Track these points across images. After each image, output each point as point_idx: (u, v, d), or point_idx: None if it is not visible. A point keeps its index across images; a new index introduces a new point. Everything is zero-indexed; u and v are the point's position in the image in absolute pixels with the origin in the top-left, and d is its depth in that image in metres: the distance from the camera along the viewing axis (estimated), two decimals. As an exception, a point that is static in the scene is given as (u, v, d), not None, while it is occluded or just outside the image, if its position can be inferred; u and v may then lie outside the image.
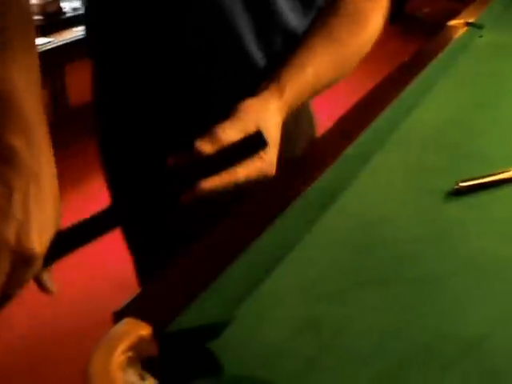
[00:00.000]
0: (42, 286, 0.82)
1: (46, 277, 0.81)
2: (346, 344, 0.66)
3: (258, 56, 0.99)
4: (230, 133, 0.83)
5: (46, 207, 0.75)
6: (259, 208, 0.88)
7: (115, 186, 1.12)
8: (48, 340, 2.50)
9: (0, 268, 0.71)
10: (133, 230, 1.16)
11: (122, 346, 0.62)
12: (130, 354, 0.63)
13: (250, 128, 0.84)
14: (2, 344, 2.48)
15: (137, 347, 0.63)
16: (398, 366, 0.63)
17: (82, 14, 3.46)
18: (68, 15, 4.03)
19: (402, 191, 0.96)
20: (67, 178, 3.50)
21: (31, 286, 2.59)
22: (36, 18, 3.88)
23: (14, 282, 0.75)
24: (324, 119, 1.21)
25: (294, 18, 1.00)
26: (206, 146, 0.81)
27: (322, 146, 1.06)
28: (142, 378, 0.64)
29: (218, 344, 0.65)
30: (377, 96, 1.22)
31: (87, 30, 1.07)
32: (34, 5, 3.88)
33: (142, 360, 0.65)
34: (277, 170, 0.88)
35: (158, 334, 0.65)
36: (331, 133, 1.08)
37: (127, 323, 0.65)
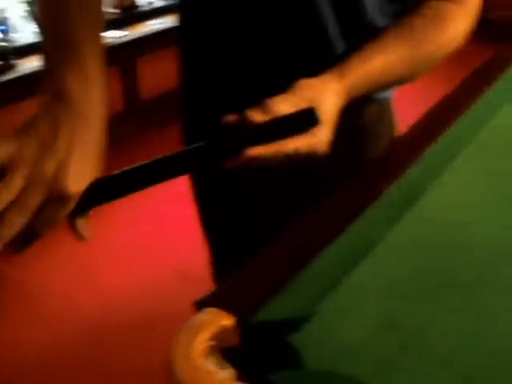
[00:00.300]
0: (75, 232, 0.81)
1: (81, 223, 0.80)
2: (426, 345, 0.66)
3: (340, 47, 0.99)
4: (282, 106, 0.83)
5: (89, 150, 0.74)
6: (341, 205, 0.88)
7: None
8: (116, 330, 2.55)
9: (31, 200, 0.70)
10: (212, 220, 1.18)
11: (205, 334, 0.63)
12: (211, 342, 0.64)
13: (303, 105, 0.84)
14: (71, 333, 2.54)
15: (219, 336, 0.64)
16: (478, 369, 0.62)
17: (155, 8, 3.53)
18: (143, 9, 4.10)
19: (484, 195, 0.94)
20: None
21: (102, 276, 2.67)
22: (112, 11, 3.97)
23: (44, 219, 0.73)
24: (404, 119, 1.20)
25: (381, 19, 1.00)
26: (256, 115, 0.82)
27: (403, 146, 1.05)
28: (221, 367, 0.65)
29: (299, 338, 0.65)
30: (459, 96, 1.21)
31: (180, 17, 1.09)
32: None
33: (222, 349, 0.65)
34: (359, 169, 0.88)
35: (240, 324, 0.65)
36: (412, 132, 1.07)
37: (210, 312, 0.66)
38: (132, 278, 2.83)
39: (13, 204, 0.69)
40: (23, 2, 3.56)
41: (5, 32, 3.46)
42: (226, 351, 0.65)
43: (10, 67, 3.30)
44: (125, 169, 0.78)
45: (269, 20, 0.98)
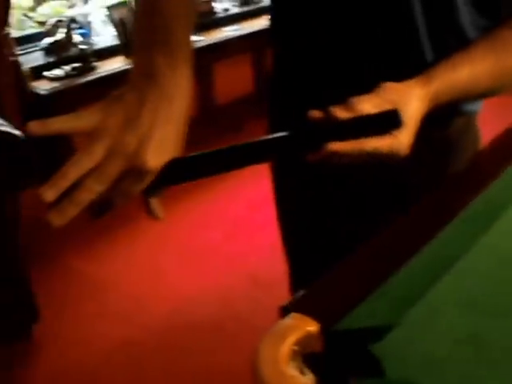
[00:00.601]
0: (149, 210, 0.83)
1: (155, 202, 0.82)
2: (508, 362, 0.65)
3: (430, 56, 0.99)
4: (366, 106, 0.85)
5: (170, 129, 0.76)
6: (427, 216, 0.88)
7: None
8: (183, 331, 2.58)
9: (110, 169, 0.72)
10: (292, 225, 1.19)
11: (291, 339, 0.64)
12: (294, 347, 0.65)
13: (387, 106, 0.85)
14: (139, 334, 2.58)
15: (302, 342, 0.65)
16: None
17: (231, 15, 3.57)
18: (219, 15, 4.15)
19: None
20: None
21: (171, 278, 2.71)
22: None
23: (121, 190, 0.75)
24: (488, 132, 1.19)
25: (472, 32, 0.99)
26: (340, 112, 0.83)
27: (487, 159, 1.04)
28: (302, 373, 0.66)
29: (381, 347, 0.66)
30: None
31: (272, 19, 1.11)
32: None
33: (304, 355, 0.66)
34: (444, 180, 0.88)
35: (324, 331, 0.66)
36: (496, 146, 1.05)
37: (295, 318, 0.67)
38: (201, 281, 2.86)
39: (92, 171, 0.72)
40: (104, 8, 3.66)
41: (86, 35, 3.56)
42: (307, 357, 0.66)
43: (91, 69, 3.40)
44: (204, 151, 0.80)
45: (362, 23, 0.98)
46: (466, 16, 0.98)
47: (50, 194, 0.71)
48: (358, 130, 0.83)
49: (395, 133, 0.83)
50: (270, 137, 0.83)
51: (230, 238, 3.16)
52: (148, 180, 0.76)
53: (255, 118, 4.03)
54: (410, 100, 0.88)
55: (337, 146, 0.81)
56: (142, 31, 0.84)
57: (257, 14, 4.32)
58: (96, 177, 0.72)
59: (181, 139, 0.79)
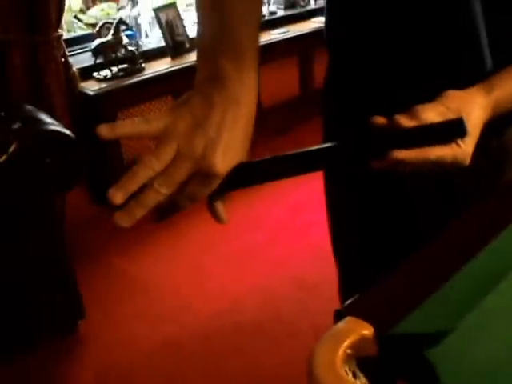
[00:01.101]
0: (214, 214, 0.84)
1: (220, 205, 0.83)
2: None
3: (488, 61, 0.98)
4: (430, 114, 0.85)
5: (237, 133, 0.78)
6: (479, 225, 0.88)
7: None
8: (227, 333, 2.60)
9: (178, 173, 0.74)
10: (342, 231, 1.19)
11: (346, 342, 0.65)
12: (349, 351, 0.66)
13: (450, 115, 0.85)
14: (182, 334, 2.60)
15: (357, 345, 0.66)
16: None
17: (277, 18, 3.58)
18: (266, 18, 4.16)
19: None
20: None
21: (216, 280, 2.73)
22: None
23: (187, 193, 0.77)
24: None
25: None
26: (404, 120, 0.84)
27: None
28: (355, 376, 0.66)
29: (436, 353, 0.66)
30: None
31: (328, 23, 1.11)
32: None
33: (358, 358, 0.67)
34: (497, 189, 0.87)
35: (379, 335, 0.67)
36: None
37: (350, 321, 0.68)
38: (245, 284, 2.88)
39: (161, 174, 0.74)
40: (151, 10, 3.70)
41: (134, 37, 3.60)
42: (360, 360, 0.67)
43: (138, 70, 3.44)
44: (269, 157, 0.81)
45: (421, 26, 0.98)
46: None
47: (118, 196, 0.73)
48: (424, 139, 0.83)
49: (459, 142, 0.83)
50: (336, 144, 0.83)
51: (272, 241, 3.17)
52: (215, 184, 0.78)
53: (301, 122, 4.04)
54: (473, 109, 0.88)
55: (402, 154, 0.81)
56: (206, 34, 0.85)
57: (303, 17, 4.33)
58: (164, 179, 0.74)
59: (248, 143, 0.80)
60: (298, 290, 2.79)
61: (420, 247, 0.81)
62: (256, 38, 0.85)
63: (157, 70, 3.51)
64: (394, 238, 1.07)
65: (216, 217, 0.82)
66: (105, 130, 0.75)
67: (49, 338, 2.51)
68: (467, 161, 0.86)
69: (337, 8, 1.08)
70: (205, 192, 0.78)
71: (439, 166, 0.84)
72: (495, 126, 0.90)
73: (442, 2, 0.95)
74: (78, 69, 3.29)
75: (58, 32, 3.07)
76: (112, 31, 3.40)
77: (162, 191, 0.74)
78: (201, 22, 0.88)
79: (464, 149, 0.84)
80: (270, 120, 4.05)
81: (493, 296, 0.74)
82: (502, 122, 0.94)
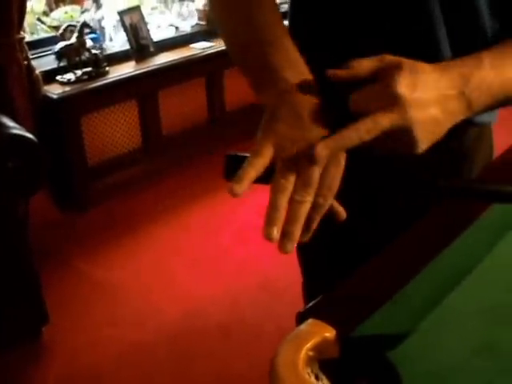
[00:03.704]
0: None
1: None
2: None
3: (447, 53, 0.98)
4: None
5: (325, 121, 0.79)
6: (441, 225, 0.89)
7: None
8: (193, 336, 2.59)
9: (312, 177, 0.75)
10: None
11: (308, 344, 0.65)
12: (311, 353, 0.66)
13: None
14: (149, 338, 2.59)
15: (319, 348, 0.66)
16: None
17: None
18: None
19: None
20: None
21: (182, 283, 2.72)
22: (199, 23, 4.05)
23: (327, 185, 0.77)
24: (501, 144, 1.20)
25: (494, 28, 0.97)
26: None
27: (499, 170, 1.05)
28: (317, 378, 0.67)
29: (397, 354, 0.67)
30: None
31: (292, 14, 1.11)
32: (198, 10, 4.05)
33: (320, 360, 0.68)
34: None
35: (340, 337, 0.67)
36: (509, 156, 1.07)
37: (312, 324, 0.68)
38: (212, 287, 2.87)
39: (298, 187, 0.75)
40: (115, 13, 3.68)
41: (98, 40, 3.58)
42: (323, 362, 0.68)
43: (102, 74, 3.42)
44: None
45: (375, 12, 0.98)
46: (488, 19, 0.96)
47: (274, 232, 0.73)
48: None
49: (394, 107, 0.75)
50: None
51: (239, 244, 3.17)
52: (343, 165, 0.78)
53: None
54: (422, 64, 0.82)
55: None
56: (253, 53, 0.87)
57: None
58: (304, 190, 0.75)
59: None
60: (263, 292, 2.80)
61: (382, 250, 0.82)
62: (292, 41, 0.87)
63: (121, 73, 3.49)
64: (357, 241, 1.08)
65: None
66: (239, 190, 0.74)
67: (12, 344, 2.47)
68: (410, 126, 0.74)
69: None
70: (339, 176, 0.78)
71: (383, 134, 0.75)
72: (454, 129, 0.91)
73: (401, 7, 0.96)
74: (41, 72, 3.26)
75: (20, 34, 3.04)
76: (76, 34, 3.37)
77: (309, 200, 0.75)
78: (243, 44, 0.90)
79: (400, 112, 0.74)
80: (235, 123, 4.05)
81: (454, 296, 0.75)
82: (460, 125, 0.94)
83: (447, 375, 0.66)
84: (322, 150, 0.72)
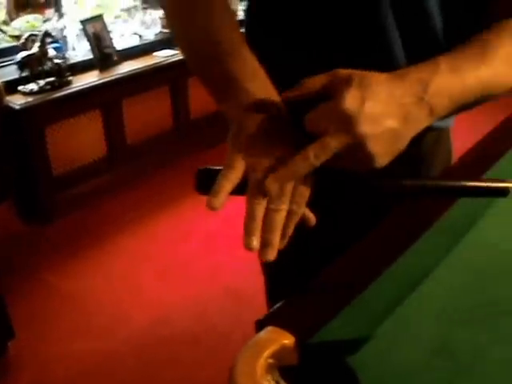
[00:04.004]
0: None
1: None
2: (482, 372, 0.66)
3: (401, 56, 0.99)
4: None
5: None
6: (399, 229, 0.89)
7: None
8: (163, 343, 2.58)
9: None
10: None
11: (266, 352, 0.65)
12: (270, 360, 0.66)
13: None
14: (119, 346, 2.58)
15: (278, 355, 0.66)
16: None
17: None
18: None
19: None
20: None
21: (151, 291, 2.70)
22: (163, 30, 4.05)
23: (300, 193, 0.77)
24: (459, 146, 1.21)
25: (443, 28, 0.98)
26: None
27: (458, 173, 1.06)
28: (279, 386, 0.67)
29: (356, 359, 0.67)
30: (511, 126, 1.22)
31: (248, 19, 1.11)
32: (162, 19, 4.04)
33: (280, 368, 0.67)
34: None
35: (300, 344, 0.67)
36: (467, 160, 1.08)
37: (271, 331, 0.68)
38: (179, 295, 2.86)
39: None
40: (78, 22, 3.66)
41: (60, 50, 3.55)
42: (283, 369, 0.67)
43: (65, 83, 3.39)
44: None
45: (329, 22, 0.98)
46: (439, 20, 0.98)
47: (256, 244, 0.73)
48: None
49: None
50: None
51: (207, 252, 3.17)
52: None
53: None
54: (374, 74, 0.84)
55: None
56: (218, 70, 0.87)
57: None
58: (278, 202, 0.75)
59: None
60: (231, 299, 2.80)
61: (340, 256, 0.82)
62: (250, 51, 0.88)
63: (85, 82, 3.47)
64: (319, 248, 1.07)
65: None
66: (217, 204, 0.74)
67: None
68: (362, 142, 0.72)
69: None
70: (310, 183, 0.77)
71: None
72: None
73: (353, 14, 0.96)
74: (2, 82, 3.22)
75: (-20, 45, 3.01)
76: (38, 43, 3.34)
77: (284, 208, 0.75)
78: (209, 57, 0.90)
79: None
80: (200, 130, 4.05)
81: (413, 298, 0.76)
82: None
83: (407, 377, 0.66)
84: (272, 185, 0.73)
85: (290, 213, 0.76)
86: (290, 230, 0.77)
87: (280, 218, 0.74)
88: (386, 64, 0.94)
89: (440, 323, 0.73)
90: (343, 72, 0.75)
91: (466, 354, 0.69)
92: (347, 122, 0.71)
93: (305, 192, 0.77)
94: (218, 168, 0.78)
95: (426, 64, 0.80)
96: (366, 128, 0.71)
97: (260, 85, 0.83)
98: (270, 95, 0.82)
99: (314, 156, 0.71)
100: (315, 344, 0.68)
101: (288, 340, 0.67)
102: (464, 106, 0.84)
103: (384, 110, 0.73)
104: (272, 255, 0.74)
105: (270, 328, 0.69)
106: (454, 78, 0.80)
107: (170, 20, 1.01)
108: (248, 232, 0.73)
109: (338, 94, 0.72)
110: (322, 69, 0.96)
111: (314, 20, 0.99)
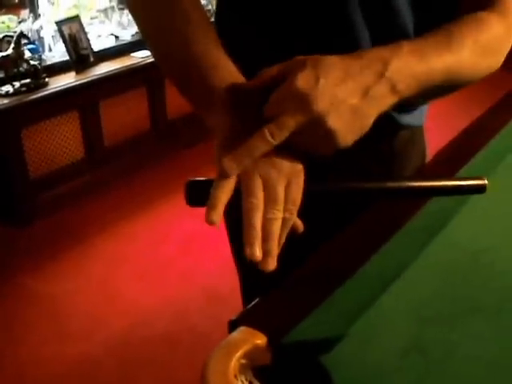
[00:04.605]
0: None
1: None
2: (453, 369, 0.67)
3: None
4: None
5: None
6: (372, 228, 0.90)
7: None
8: (141, 346, 2.57)
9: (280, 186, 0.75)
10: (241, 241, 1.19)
11: (239, 352, 0.65)
12: (243, 361, 0.66)
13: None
14: (97, 350, 2.56)
15: (251, 355, 0.66)
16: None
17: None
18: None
19: (509, 221, 0.96)
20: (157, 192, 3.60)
21: (127, 294, 2.69)
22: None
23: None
24: (432, 146, 1.22)
25: (413, 26, 0.99)
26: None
27: (432, 171, 1.06)
28: (252, 386, 0.67)
29: (329, 359, 0.67)
30: (485, 123, 1.22)
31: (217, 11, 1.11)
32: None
33: (253, 368, 0.67)
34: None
35: (272, 344, 0.67)
36: (440, 159, 1.08)
37: (244, 331, 0.68)
38: (157, 296, 2.86)
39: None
40: (54, 23, 3.63)
41: (36, 51, 3.53)
42: (257, 370, 0.67)
43: (42, 85, 3.37)
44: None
45: (297, 12, 0.98)
46: (408, 16, 0.98)
47: (257, 250, 0.71)
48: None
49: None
50: None
51: (184, 253, 3.16)
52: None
53: (209, 133, 4.04)
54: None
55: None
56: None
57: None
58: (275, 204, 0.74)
59: None
60: (210, 300, 2.80)
61: (313, 255, 0.82)
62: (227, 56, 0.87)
63: (61, 84, 3.45)
64: (292, 247, 1.08)
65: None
66: (216, 218, 0.72)
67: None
68: (320, 118, 0.72)
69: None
70: (301, 190, 0.77)
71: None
72: (384, 132, 0.91)
73: (322, 12, 0.96)
74: (-23, 84, 3.20)
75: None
76: (12, 45, 3.31)
77: (280, 216, 0.74)
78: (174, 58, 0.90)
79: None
80: (178, 131, 4.04)
81: (385, 298, 0.76)
82: (390, 128, 0.95)
83: (380, 376, 0.66)
84: (228, 163, 0.72)
85: (283, 221, 0.75)
86: (283, 239, 0.76)
87: (277, 226, 0.74)
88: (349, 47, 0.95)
89: (411, 322, 0.73)
90: (299, 57, 0.75)
91: (437, 351, 0.69)
92: (302, 101, 0.71)
93: (297, 200, 0.76)
94: (206, 179, 0.77)
95: (387, 45, 0.80)
96: (322, 104, 0.71)
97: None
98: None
99: (270, 134, 0.72)
100: (288, 344, 0.68)
101: (260, 340, 0.67)
102: (431, 91, 0.84)
103: (341, 86, 0.73)
104: (274, 265, 0.72)
105: (242, 328, 0.68)
106: (417, 58, 0.79)
107: (140, 22, 0.99)
108: (250, 242, 0.72)
109: (292, 76, 0.72)
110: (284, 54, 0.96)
111: (281, 12, 0.99)
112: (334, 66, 0.74)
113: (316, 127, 0.72)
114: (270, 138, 0.72)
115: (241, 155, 0.73)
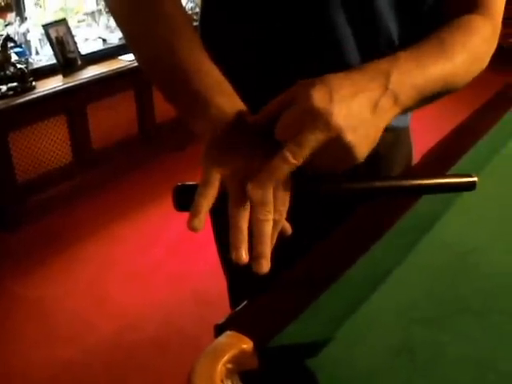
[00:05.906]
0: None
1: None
2: (441, 371, 0.67)
3: (355, 56, 0.98)
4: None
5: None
6: (359, 231, 0.90)
7: None
8: (130, 350, 2.57)
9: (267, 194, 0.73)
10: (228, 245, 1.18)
11: (225, 357, 0.64)
12: (229, 365, 0.65)
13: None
14: (85, 354, 2.55)
15: (237, 360, 0.66)
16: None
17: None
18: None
19: (496, 222, 0.96)
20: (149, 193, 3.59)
21: (116, 298, 2.68)
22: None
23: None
24: (420, 147, 1.22)
25: (397, 29, 0.99)
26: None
27: (418, 173, 1.06)
28: (239, 391, 0.66)
29: (316, 362, 0.66)
30: (472, 124, 1.23)
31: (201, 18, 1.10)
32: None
33: (240, 372, 0.67)
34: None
35: (259, 348, 0.67)
36: (427, 160, 1.08)
37: (230, 336, 0.68)
38: (146, 300, 2.85)
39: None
40: (40, 26, 3.62)
41: (23, 54, 3.51)
42: (243, 374, 0.67)
43: (29, 89, 3.35)
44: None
45: (283, 26, 0.98)
46: (391, 20, 0.98)
47: (243, 254, 0.72)
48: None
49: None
50: None
51: (173, 256, 3.16)
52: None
53: (197, 137, 4.03)
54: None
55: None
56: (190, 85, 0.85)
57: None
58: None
59: None
60: (199, 303, 2.80)
61: (300, 259, 0.82)
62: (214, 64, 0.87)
63: (48, 87, 3.43)
64: (279, 250, 1.07)
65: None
66: (199, 224, 0.73)
67: None
68: (339, 133, 0.72)
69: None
70: (289, 191, 0.77)
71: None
72: None
73: (303, 14, 0.96)
74: (-37, 88, 3.18)
75: None
76: (-1, 48, 3.30)
77: (271, 217, 0.73)
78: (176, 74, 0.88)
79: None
80: (166, 134, 4.04)
81: (373, 299, 0.76)
82: None
83: (367, 378, 0.66)
84: (255, 191, 0.72)
85: (273, 222, 0.74)
86: (274, 240, 0.75)
87: (269, 227, 0.73)
88: (338, 62, 0.95)
89: (400, 323, 0.73)
90: (303, 80, 0.75)
91: (426, 352, 0.69)
92: (321, 118, 0.70)
93: (286, 201, 0.76)
94: (195, 184, 0.77)
95: (384, 58, 0.80)
96: (340, 119, 0.71)
97: (227, 98, 0.82)
98: (237, 108, 0.81)
99: (292, 155, 0.71)
100: (274, 348, 0.67)
101: (247, 344, 0.67)
102: (429, 98, 0.84)
103: (354, 100, 0.73)
104: (267, 267, 0.72)
105: (228, 332, 0.68)
106: (415, 68, 0.80)
107: (122, 27, 0.97)
108: (236, 245, 0.72)
109: (303, 95, 0.72)
110: (273, 66, 0.96)
111: (265, 13, 0.99)
112: (342, 81, 0.74)
113: (335, 143, 0.72)
114: (291, 158, 0.71)
115: (264, 180, 0.72)
